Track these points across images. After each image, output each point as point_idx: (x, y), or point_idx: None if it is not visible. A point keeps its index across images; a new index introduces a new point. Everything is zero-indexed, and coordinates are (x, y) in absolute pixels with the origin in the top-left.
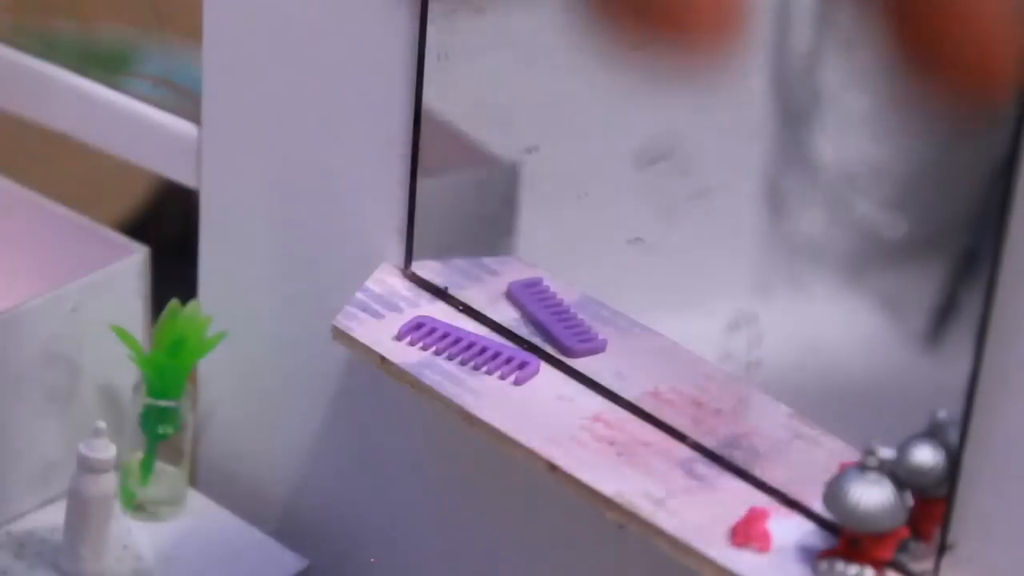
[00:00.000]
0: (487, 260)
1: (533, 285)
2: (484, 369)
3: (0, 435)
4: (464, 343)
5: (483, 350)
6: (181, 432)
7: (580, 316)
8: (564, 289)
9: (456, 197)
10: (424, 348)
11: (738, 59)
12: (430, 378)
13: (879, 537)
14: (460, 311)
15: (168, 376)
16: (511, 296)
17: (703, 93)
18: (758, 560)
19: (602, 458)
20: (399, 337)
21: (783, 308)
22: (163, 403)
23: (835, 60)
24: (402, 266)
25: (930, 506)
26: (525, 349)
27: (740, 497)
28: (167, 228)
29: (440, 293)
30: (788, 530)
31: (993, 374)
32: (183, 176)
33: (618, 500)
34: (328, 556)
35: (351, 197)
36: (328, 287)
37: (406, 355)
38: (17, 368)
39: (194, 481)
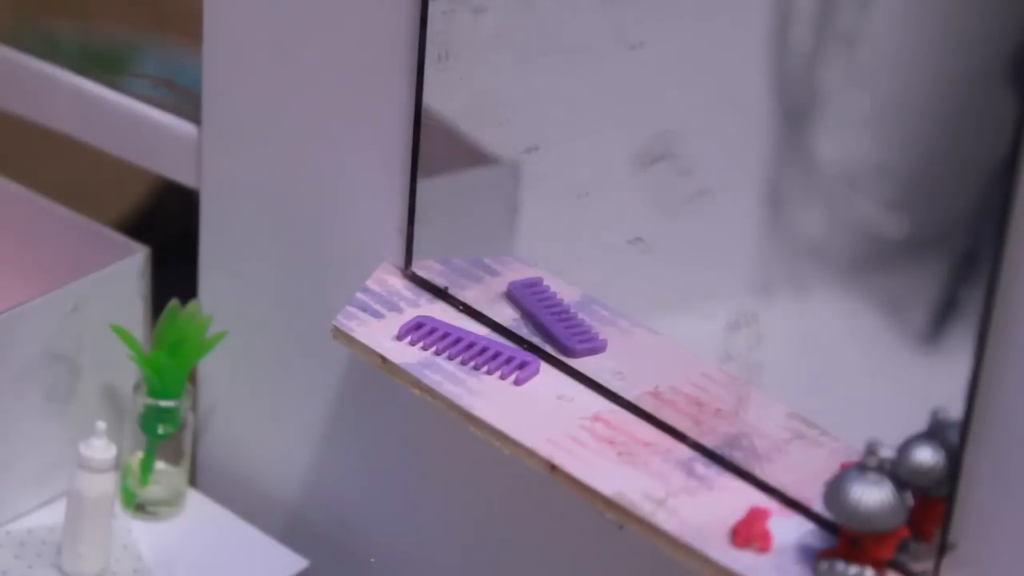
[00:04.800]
0: (487, 260)
1: (533, 285)
2: (484, 369)
3: (0, 435)
4: (464, 343)
5: (483, 350)
6: (181, 432)
7: (580, 316)
8: (564, 289)
9: (456, 197)
10: (424, 348)
11: None
12: (430, 378)
13: (879, 537)
14: (460, 311)
15: (168, 376)
16: (511, 296)
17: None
18: (758, 560)
19: (602, 458)
20: (399, 337)
21: (783, 308)
22: (163, 403)
23: (835, 60)
24: (402, 266)
25: (930, 506)
26: (525, 349)
27: (740, 497)
28: (167, 228)
29: (440, 293)
30: (788, 530)
31: (993, 374)
32: (183, 176)
33: (618, 500)
34: (328, 556)
35: (351, 197)
36: (328, 287)
37: (406, 355)
38: (17, 368)
39: (194, 481)
